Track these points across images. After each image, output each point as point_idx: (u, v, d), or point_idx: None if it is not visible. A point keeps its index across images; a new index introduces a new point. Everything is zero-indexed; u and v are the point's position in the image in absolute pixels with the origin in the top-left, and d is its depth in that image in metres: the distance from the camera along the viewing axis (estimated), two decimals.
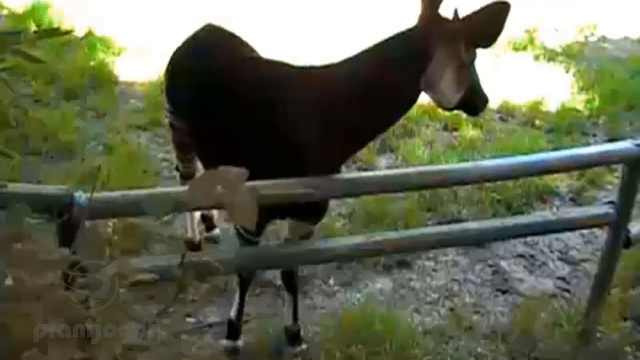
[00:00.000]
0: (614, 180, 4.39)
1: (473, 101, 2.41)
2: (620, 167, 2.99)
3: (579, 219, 3.05)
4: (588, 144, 4.90)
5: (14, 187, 2.00)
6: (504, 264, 3.75)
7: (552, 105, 5.58)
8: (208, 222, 3.73)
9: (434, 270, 3.67)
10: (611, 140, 4.66)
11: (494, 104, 4.92)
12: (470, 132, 5.01)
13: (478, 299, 3.49)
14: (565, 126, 5.25)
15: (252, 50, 2.85)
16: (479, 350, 3.13)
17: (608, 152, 2.95)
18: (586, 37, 7.39)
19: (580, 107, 5.63)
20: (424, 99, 2.35)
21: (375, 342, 2.97)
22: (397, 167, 4.41)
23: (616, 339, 3.16)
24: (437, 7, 2.21)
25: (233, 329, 2.97)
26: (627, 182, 2.85)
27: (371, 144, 4.09)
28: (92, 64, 5.68)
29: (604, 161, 3.12)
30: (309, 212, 2.63)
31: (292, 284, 2.96)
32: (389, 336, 2.99)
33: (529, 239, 3.87)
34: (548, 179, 4.33)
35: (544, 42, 6.96)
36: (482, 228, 2.88)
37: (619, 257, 3.01)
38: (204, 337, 3.09)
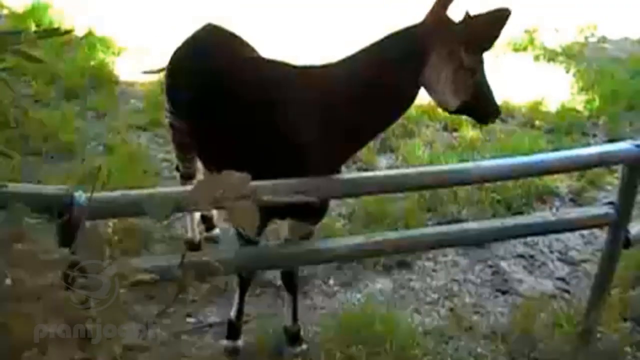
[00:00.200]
0: (613, 180, 4.39)
1: (480, 108, 2.38)
2: (620, 167, 2.99)
3: (578, 219, 3.05)
4: (588, 144, 4.90)
5: (13, 187, 2.00)
6: (503, 264, 3.75)
7: (551, 106, 5.58)
8: (208, 222, 3.73)
9: (434, 271, 3.67)
10: (611, 141, 4.65)
11: None
12: (469, 132, 5.01)
13: (478, 299, 3.49)
14: (565, 126, 5.26)
15: (252, 49, 2.85)
16: (479, 350, 3.13)
17: (608, 152, 2.95)
18: (586, 37, 7.40)
19: (580, 107, 5.63)
20: (424, 99, 2.35)
21: (375, 342, 2.97)
22: (396, 167, 4.41)
23: (616, 339, 3.16)
24: (447, 7, 2.21)
25: (233, 329, 2.97)
26: (627, 183, 2.85)
27: (371, 144, 4.09)
28: (92, 63, 5.68)
29: (604, 161, 3.12)
30: (309, 212, 2.63)
31: (291, 284, 2.96)
32: (388, 336, 2.99)
33: (529, 239, 3.87)
34: (548, 179, 4.33)
35: (543, 42, 6.96)
36: (481, 228, 2.88)
37: (619, 257, 3.01)
38: (204, 337, 3.09)
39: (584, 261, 3.80)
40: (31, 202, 1.84)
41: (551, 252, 3.89)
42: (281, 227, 2.88)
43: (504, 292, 3.55)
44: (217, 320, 3.16)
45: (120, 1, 6.94)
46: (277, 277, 3.20)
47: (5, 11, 6.71)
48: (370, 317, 3.11)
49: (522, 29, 6.97)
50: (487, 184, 4.06)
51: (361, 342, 2.96)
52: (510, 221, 3.06)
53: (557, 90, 5.79)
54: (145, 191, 2.42)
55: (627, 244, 2.93)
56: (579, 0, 7.89)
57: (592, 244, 3.92)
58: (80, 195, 2.03)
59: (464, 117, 4.73)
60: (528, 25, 7.05)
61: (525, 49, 6.81)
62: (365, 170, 4.36)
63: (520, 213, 4.04)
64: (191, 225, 3.55)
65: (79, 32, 6.02)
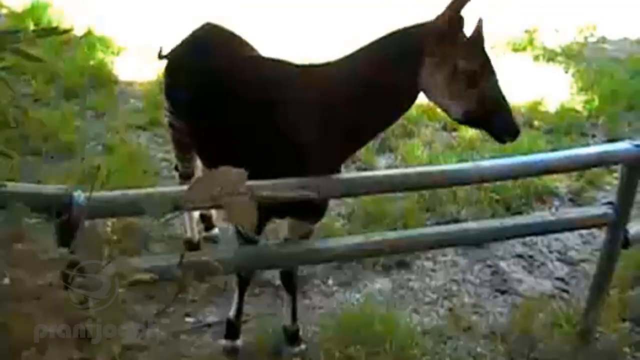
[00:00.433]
0: (612, 180, 4.39)
1: (491, 122, 2.26)
2: (619, 167, 2.99)
3: (577, 219, 3.05)
4: (587, 144, 4.90)
5: (13, 187, 2.00)
6: (502, 264, 3.76)
7: (551, 106, 5.58)
8: (207, 222, 3.73)
9: (433, 270, 3.67)
10: (610, 141, 4.66)
11: None
12: (469, 132, 5.00)
13: (477, 299, 3.49)
14: (564, 126, 5.26)
15: (251, 48, 2.85)
16: (478, 350, 3.13)
17: (607, 152, 2.95)
18: (585, 38, 7.39)
19: (579, 107, 5.63)
20: (424, 99, 2.34)
21: (374, 342, 2.97)
22: (396, 167, 4.41)
23: (615, 339, 3.17)
24: (459, 10, 2.18)
25: (232, 329, 2.98)
26: (626, 183, 2.85)
27: (370, 144, 4.09)
28: (91, 63, 5.68)
29: (603, 161, 3.12)
30: (309, 210, 2.63)
31: (290, 283, 2.96)
32: (387, 336, 2.99)
33: (528, 239, 3.87)
34: (547, 179, 4.33)
35: (543, 43, 6.96)
36: (480, 228, 2.89)
37: (618, 257, 3.02)
38: (203, 337, 3.09)
39: (583, 261, 3.80)
40: (30, 202, 1.84)
41: (550, 252, 3.89)
42: (280, 227, 2.89)
43: (503, 292, 3.55)
44: (216, 319, 3.16)
45: (120, 1, 6.94)
46: (276, 276, 3.20)
47: (4, 10, 6.71)
48: (369, 317, 3.11)
49: (521, 29, 6.97)
50: (486, 184, 4.06)
51: (360, 342, 2.96)
52: (510, 221, 3.06)
53: (556, 90, 5.79)
54: (143, 190, 2.42)
55: (626, 243, 2.93)
56: (579, 0, 7.89)
57: (591, 243, 3.92)
58: (80, 195, 2.03)
59: None
60: (528, 26, 7.05)
61: (524, 49, 6.81)
62: (365, 170, 4.36)
63: (520, 213, 4.04)
64: (190, 224, 3.55)
65: (79, 31, 6.02)
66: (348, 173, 3.38)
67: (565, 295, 3.54)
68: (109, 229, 3.22)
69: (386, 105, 2.32)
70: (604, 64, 6.55)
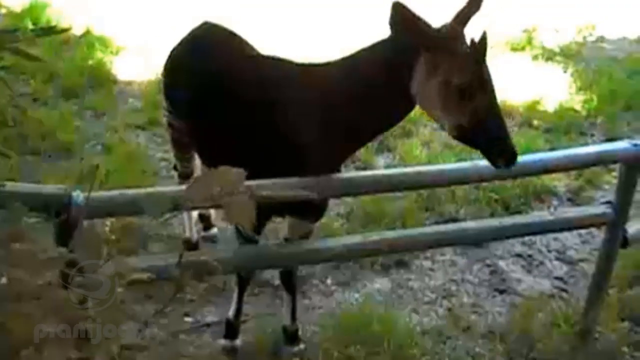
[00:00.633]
0: (611, 179, 4.39)
1: (485, 142, 2.17)
2: (617, 166, 2.99)
3: (576, 219, 3.05)
4: (586, 144, 4.90)
5: (12, 186, 2.00)
6: (501, 263, 3.76)
7: (549, 105, 5.58)
8: (205, 221, 3.73)
9: (432, 270, 3.68)
10: (609, 140, 4.66)
11: None
12: None
13: (476, 298, 3.49)
14: (562, 126, 5.25)
15: (251, 48, 2.84)
16: (477, 349, 3.14)
17: (606, 151, 2.95)
18: (584, 37, 7.39)
19: (578, 106, 5.63)
20: None
21: (373, 342, 2.97)
22: (395, 167, 4.41)
23: (614, 339, 3.17)
24: (465, 24, 2.16)
25: (231, 329, 2.97)
26: (625, 182, 2.86)
27: (369, 144, 4.09)
28: (90, 62, 5.67)
29: (602, 161, 3.12)
30: (309, 210, 2.63)
31: (290, 283, 2.96)
32: (386, 336, 2.99)
33: (527, 238, 3.87)
34: (546, 178, 4.33)
35: (542, 42, 6.96)
36: (479, 227, 2.89)
37: (617, 256, 3.02)
38: (202, 337, 3.09)
39: (582, 260, 3.80)
40: (29, 202, 1.84)
41: (549, 251, 3.89)
42: (280, 227, 2.89)
43: (502, 292, 3.55)
44: (215, 319, 3.16)
45: (119, 1, 6.93)
46: (276, 276, 3.20)
47: (3, 10, 6.70)
48: (368, 317, 3.11)
49: (520, 28, 6.97)
50: (485, 183, 4.06)
51: (359, 342, 2.96)
52: (508, 220, 3.07)
53: (555, 89, 5.79)
54: (142, 190, 2.42)
55: (625, 243, 2.93)
56: (578, 0, 7.89)
57: (589, 243, 3.92)
58: (78, 195, 2.03)
59: None
60: (526, 25, 7.05)
61: (523, 48, 6.81)
62: (364, 169, 4.35)
63: (518, 212, 4.04)
64: (189, 224, 3.54)
65: (78, 31, 6.01)
66: (347, 172, 3.38)
67: (564, 294, 3.54)
68: (107, 228, 3.22)
69: (387, 106, 2.31)
70: (602, 63, 6.55)
